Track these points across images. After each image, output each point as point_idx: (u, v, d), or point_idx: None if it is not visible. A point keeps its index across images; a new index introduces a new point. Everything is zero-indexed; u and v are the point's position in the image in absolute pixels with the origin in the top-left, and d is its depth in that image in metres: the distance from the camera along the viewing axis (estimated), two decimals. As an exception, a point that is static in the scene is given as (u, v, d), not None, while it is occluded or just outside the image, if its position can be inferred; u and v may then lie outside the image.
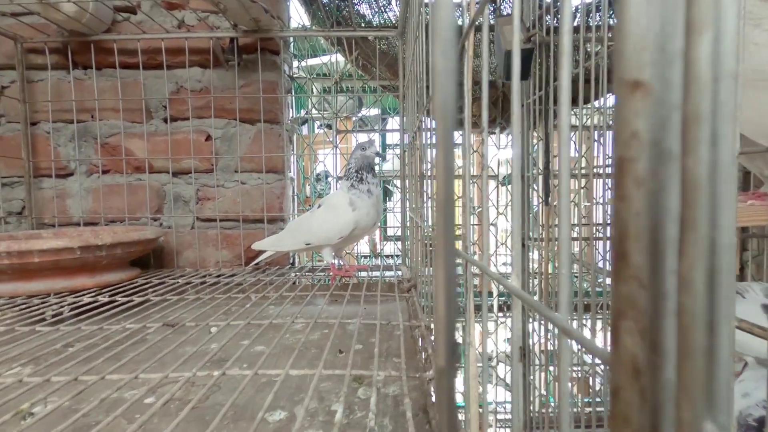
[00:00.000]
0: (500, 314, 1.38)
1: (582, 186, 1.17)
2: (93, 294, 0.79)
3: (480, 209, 1.25)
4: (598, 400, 1.20)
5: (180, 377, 0.44)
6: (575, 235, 1.13)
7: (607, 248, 1.30)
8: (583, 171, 1.11)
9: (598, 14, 1.21)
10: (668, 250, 0.07)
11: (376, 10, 1.27)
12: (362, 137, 1.52)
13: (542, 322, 0.99)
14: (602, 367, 0.99)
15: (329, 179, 1.88)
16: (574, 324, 0.95)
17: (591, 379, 1.31)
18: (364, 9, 1.26)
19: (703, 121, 0.07)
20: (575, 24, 1.02)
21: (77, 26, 1.01)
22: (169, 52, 1.08)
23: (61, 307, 0.71)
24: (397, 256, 1.59)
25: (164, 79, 1.10)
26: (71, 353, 0.53)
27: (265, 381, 0.56)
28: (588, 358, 1.11)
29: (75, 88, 1.10)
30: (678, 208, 0.07)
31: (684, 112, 0.07)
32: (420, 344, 0.61)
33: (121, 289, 0.83)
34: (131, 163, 1.13)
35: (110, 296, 0.77)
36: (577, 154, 1.15)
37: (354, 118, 1.57)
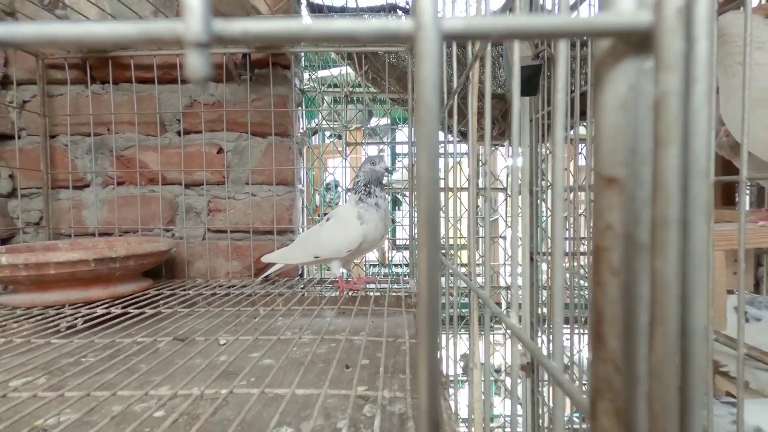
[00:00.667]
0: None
1: (591, 200, 1.16)
2: (106, 305, 0.81)
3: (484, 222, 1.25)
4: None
5: (189, 393, 0.45)
6: (583, 249, 1.12)
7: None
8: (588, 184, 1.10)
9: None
10: (640, 338, 0.08)
11: (386, 24, 1.29)
12: (371, 149, 1.54)
13: (551, 336, 0.98)
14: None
15: (338, 189, 1.90)
16: (575, 339, 0.93)
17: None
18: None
19: (671, 225, 0.07)
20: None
21: (96, 43, 1.04)
22: (184, 67, 1.11)
23: (75, 318, 0.73)
24: (404, 265, 1.59)
25: (178, 94, 1.13)
26: (85, 366, 0.54)
27: (272, 396, 0.57)
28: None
29: (93, 103, 1.13)
30: (649, 299, 0.08)
31: (653, 213, 0.07)
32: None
33: (133, 301, 0.85)
34: (145, 175, 1.15)
35: (123, 308, 0.79)
36: (579, 167, 1.14)
37: (363, 128, 1.59)
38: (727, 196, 1.05)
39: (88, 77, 1.12)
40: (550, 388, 1.08)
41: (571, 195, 0.85)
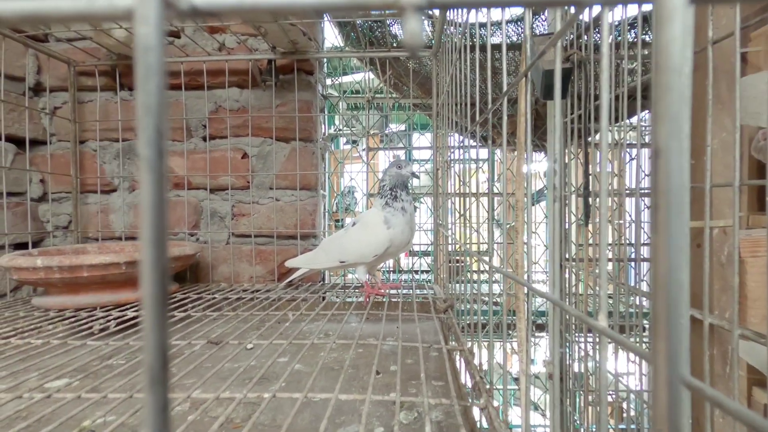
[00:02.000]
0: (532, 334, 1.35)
1: (620, 205, 1.14)
2: (136, 308, 0.82)
3: (510, 225, 1.24)
4: (633, 426, 1.15)
5: (233, 397, 0.44)
6: (610, 255, 1.10)
7: (642, 268, 1.26)
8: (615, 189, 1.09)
9: (633, 31, 1.20)
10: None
11: (408, 30, 1.29)
12: (391, 154, 1.54)
13: (580, 344, 0.96)
14: (634, 393, 0.95)
15: (355, 194, 1.90)
16: (610, 347, 0.92)
17: (625, 404, 1.26)
18: (396, 29, 1.29)
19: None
20: (610, 42, 1.01)
21: (126, 50, 1.06)
22: (210, 74, 1.13)
23: (108, 321, 0.74)
24: (425, 271, 1.58)
25: (204, 99, 1.14)
26: (123, 369, 0.54)
27: (304, 402, 0.56)
28: (622, 384, 1.07)
29: (121, 109, 1.15)
30: None
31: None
32: (463, 368, 0.60)
33: (162, 304, 0.85)
34: (171, 179, 1.16)
35: (153, 311, 0.79)
36: (612, 173, 1.12)
37: (381, 135, 1.59)
38: (761, 201, 1.02)
39: (117, 84, 1.14)
40: (578, 397, 1.05)
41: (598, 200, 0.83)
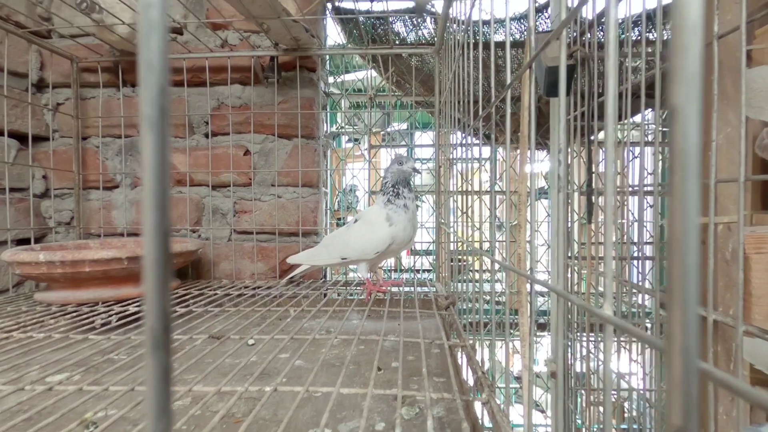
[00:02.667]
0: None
1: (624, 203, 1.14)
2: (138, 303, 0.82)
3: (512, 224, 1.23)
4: (635, 426, 1.15)
5: (234, 392, 0.44)
6: (613, 253, 1.09)
7: (645, 266, 1.25)
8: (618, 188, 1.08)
9: (637, 29, 1.20)
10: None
11: (411, 27, 1.29)
12: (393, 152, 1.53)
13: (582, 342, 0.95)
14: (636, 392, 0.94)
15: (356, 192, 1.89)
16: (613, 346, 0.91)
17: (626, 404, 1.25)
18: (398, 26, 1.28)
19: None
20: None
21: (128, 46, 1.06)
22: (212, 70, 1.13)
23: (110, 316, 0.74)
24: (426, 270, 1.58)
25: (207, 96, 1.14)
26: (124, 362, 0.54)
27: (305, 397, 0.56)
28: (624, 383, 1.06)
29: (123, 105, 1.15)
30: None
31: None
32: (465, 364, 0.60)
33: (164, 300, 0.85)
34: (173, 176, 1.16)
35: (154, 306, 0.79)
36: (615, 171, 1.12)
37: (383, 133, 1.59)
38: (766, 199, 1.02)
39: (119, 80, 1.14)
40: (579, 397, 1.05)
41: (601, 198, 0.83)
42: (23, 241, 1.09)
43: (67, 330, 0.65)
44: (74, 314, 0.75)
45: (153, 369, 0.08)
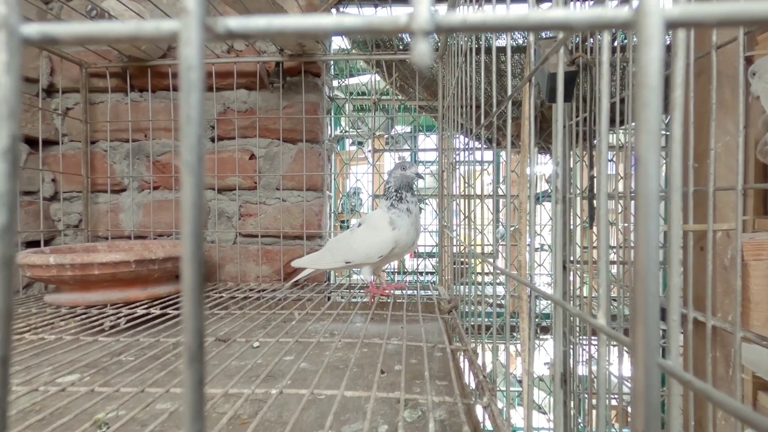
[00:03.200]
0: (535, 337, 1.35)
1: (625, 208, 1.14)
2: (145, 306, 0.83)
3: (514, 228, 1.24)
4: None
5: (240, 393, 0.45)
6: (613, 257, 1.10)
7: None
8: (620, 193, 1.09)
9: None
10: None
11: (415, 32, 1.30)
12: (396, 156, 1.55)
13: (583, 345, 0.96)
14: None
15: (360, 195, 1.90)
16: (615, 350, 0.92)
17: (629, 408, 1.26)
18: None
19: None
20: (615, 44, 1.01)
21: (137, 52, 1.08)
22: (219, 75, 1.14)
23: (118, 318, 0.75)
24: (429, 273, 1.59)
25: (213, 101, 1.16)
26: (133, 364, 0.55)
27: (310, 399, 0.57)
28: (626, 387, 1.07)
29: (131, 110, 1.17)
30: None
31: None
32: (467, 368, 0.61)
33: (170, 302, 0.86)
34: (179, 180, 1.18)
35: (161, 309, 0.81)
36: (615, 175, 1.13)
37: (386, 136, 1.60)
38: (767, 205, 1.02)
39: (128, 85, 1.16)
40: (582, 400, 1.05)
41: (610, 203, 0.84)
42: (32, 244, 1.11)
43: (77, 332, 0.67)
44: (83, 316, 0.76)
45: (190, 379, 0.09)
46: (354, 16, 0.09)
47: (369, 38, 1.21)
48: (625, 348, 1.11)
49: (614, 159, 1.19)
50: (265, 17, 0.09)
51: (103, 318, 0.75)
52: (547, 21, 0.09)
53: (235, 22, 0.09)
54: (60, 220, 1.17)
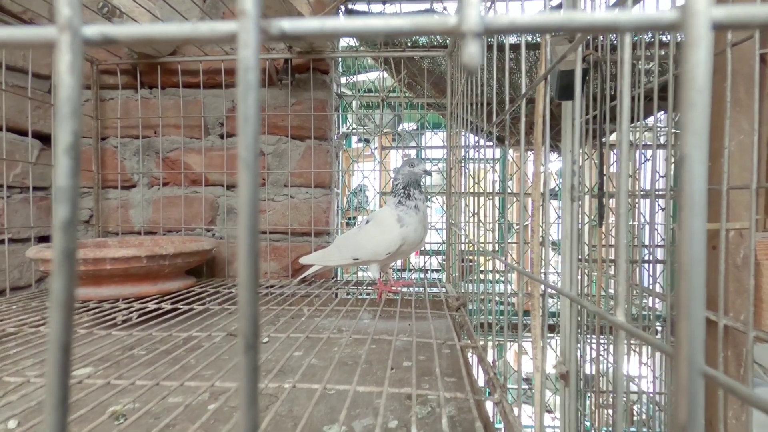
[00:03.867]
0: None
1: (636, 206, 1.14)
2: (156, 301, 0.84)
3: (521, 226, 1.24)
4: (644, 430, 1.15)
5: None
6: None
7: (656, 269, 1.25)
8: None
9: (650, 31, 1.19)
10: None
11: (423, 29, 1.30)
12: (403, 153, 1.55)
13: (592, 344, 0.96)
14: (646, 396, 0.94)
15: (367, 193, 1.91)
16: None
17: (635, 407, 1.25)
18: (411, 29, 1.29)
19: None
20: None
21: (147, 49, 1.09)
22: (228, 72, 1.15)
23: (130, 312, 0.76)
24: (435, 270, 1.59)
25: (222, 98, 1.17)
26: (146, 359, 0.56)
27: (321, 394, 0.58)
28: (633, 386, 1.06)
29: (141, 106, 1.18)
30: None
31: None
32: (476, 365, 0.61)
33: (180, 297, 0.87)
34: (189, 176, 1.19)
35: (172, 304, 0.81)
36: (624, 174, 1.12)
37: (393, 134, 1.60)
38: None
39: (138, 82, 1.17)
40: (588, 399, 1.05)
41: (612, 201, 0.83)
42: (44, 239, 1.12)
43: (90, 326, 0.68)
44: (96, 311, 0.77)
45: (246, 366, 0.09)
46: (402, 17, 0.09)
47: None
48: (633, 348, 1.11)
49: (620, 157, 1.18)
50: (318, 20, 0.09)
51: (115, 312, 0.76)
52: (597, 23, 0.09)
53: (288, 24, 0.09)
54: (71, 216, 1.18)
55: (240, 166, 0.09)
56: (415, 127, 1.67)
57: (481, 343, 0.62)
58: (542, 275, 0.38)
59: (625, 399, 1.03)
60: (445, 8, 1.17)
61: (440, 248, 1.45)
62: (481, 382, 0.67)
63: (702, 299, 0.09)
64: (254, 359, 0.09)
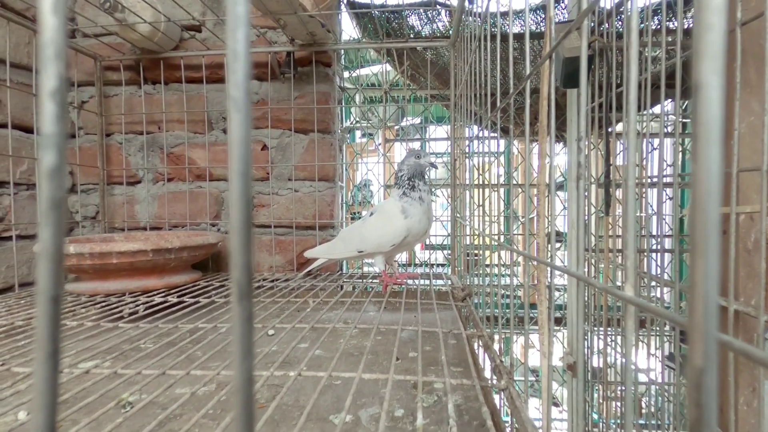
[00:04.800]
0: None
1: (643, 195, 1.13)
2: (162, 294, 0.84)
3: (526, 218, 1.23)
4: (653, 422, 1.14)
5: (257, 377, 0.46)
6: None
7: (664, 258, 1.24)
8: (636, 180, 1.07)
9: (656, 18, 1.18)
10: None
11: (426, 20, 1.29)
12: (407, 146, 1.54)
13: (600, 335, 0.95)
14: (654, 387, 0.94)
15: (371, 187, 1.90)
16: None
17: (644, 399, 1.24)
18: (413, 20, 1.28)
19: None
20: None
21: (150, 45, 1.09)
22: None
23: (136, 306, 0.76)
24: (440, 265, 1.58)
25: (225, 92, 1.16)
26: (151, 350, 0.56)
27: (326, 384, 0.58)
28: (642, 377, 1.06)
29: (145, 102, 1.18)
30: None
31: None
32: (482, 355, 0.61)
33: (186, 291, 0.88)
34: (193, 171, 1.19)
35: (178, 297, 0.82)
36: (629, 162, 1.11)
37: (397, 127, 1.59)
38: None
39: (141, 78, 1.17)
40: (596, 391, 1.04)
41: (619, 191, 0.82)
42: (52, 235, 1.13)
43: (97, 319, 0.68)
44: (103, 304, 0.78)
45: (239, 316, 0.09)
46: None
47: (380, 27, 1.20)
48: (641, 339, 1.10)
49: (626, 146, 1.16)
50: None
51: (122, 306, 0.76)
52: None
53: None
54: (78, 212, 1.19)
55: (230, 107, 0.09)
56: (419, 121, 1.66)
57: (488, 331, 0.61)
58: (548, 259, 0.37)
59: (634, 389, 1.02)
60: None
61: (445, 242, 1.45)
62: (487, 373, 0.67)
63: (718, 234, 0.08)
64: (248, 308, 0.08)
